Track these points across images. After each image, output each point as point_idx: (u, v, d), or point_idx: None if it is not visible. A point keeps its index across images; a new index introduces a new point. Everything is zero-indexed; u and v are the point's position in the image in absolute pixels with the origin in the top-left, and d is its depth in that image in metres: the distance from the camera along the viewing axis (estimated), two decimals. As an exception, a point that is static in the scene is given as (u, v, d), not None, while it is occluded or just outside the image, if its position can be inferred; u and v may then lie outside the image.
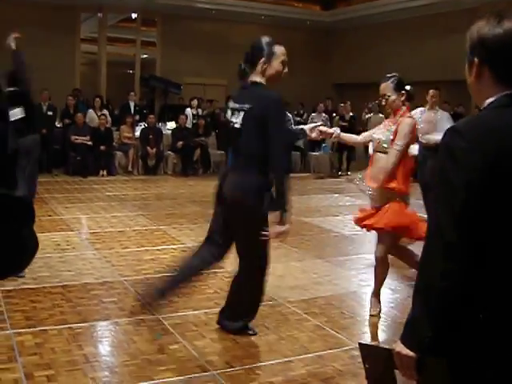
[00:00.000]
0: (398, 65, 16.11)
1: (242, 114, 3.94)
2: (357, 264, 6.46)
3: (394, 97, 4.59)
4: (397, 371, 1.81)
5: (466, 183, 1.64)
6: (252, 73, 3.98)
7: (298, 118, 15.90)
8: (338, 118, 15.11)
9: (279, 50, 4.01)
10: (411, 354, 1.72)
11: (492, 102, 1.75)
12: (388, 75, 4.71)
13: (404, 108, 4.69)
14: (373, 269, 5.00)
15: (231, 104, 4.13)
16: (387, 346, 1.91)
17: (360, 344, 2.05)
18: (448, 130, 1.76)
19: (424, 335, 1.70)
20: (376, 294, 4.98)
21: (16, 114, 6.15)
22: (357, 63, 18.09)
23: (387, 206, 4.62)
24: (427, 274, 1.72)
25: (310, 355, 4.08)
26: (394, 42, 16.72)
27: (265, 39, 4.01)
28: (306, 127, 4.47)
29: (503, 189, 1.64)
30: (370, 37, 17.60)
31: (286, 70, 4.06)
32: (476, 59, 1.77)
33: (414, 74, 15.75)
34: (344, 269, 6.31)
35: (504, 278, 1.68)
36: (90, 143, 12.99)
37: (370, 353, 2.01)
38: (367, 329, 4.78)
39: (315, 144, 14.90)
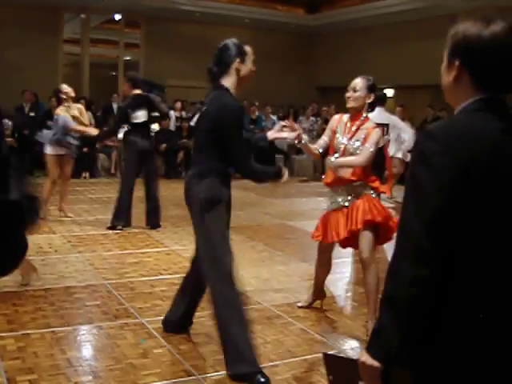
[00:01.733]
0: (382, 69, 16.22)
1: (198, 114, 4.02)
2: (341, 267, 6.45)
3: (363, 94, 4.54)
4: (361, 383, 1.73)
5: (437, 187, 1.60)
6: (222, 75, 3.89)
7: (281, 122, 15.88)
8: (321, 121, 15.13)
9: (249, 49, 3.99)
10: (376, 364, 1.66)
11: (467, 106, 1.72)
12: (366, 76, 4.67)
13: (365, 115, 4.62)
14: (358, 272, 4.99)
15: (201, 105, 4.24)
16: (353, 357, 1.84)
17: (324, 354, 1.97)
18: (421, 132, 1.73)
19: (390, 345, 1.64)
20: (374, 317, 4.29)
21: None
22: (340, 67, 18.11)
23: (358, 201, 4.50)
24: (395, 280, 1.66)
25: (295, 359, 4.07)
26: (377, 46, 16.79)
27: (233, 40, 3.97)
28: (270, 133, 4.38)
29: (475, 194, 1.61)
30: (354, 41, 17.66)
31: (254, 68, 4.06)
32: (457, 61, 1.73)
33: (397, 78, 15.88)
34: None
35: (471, 287, 1.63)
36: (76, 143, 12.84)
37: (334, 364, 1.93)
38: (352, 333, 4.78)
39: (299, 148, 14.91)
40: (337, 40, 18.55)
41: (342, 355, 3.01)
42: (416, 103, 14.91)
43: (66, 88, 8.36)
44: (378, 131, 4.62)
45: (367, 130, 4.54)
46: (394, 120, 9.10)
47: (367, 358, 1.68)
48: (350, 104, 4.59)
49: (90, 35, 17.34)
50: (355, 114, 4.61)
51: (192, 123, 3.86)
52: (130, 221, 7.99)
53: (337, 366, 1.91)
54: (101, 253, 6.66)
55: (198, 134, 4.05)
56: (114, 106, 15.25)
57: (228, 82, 3.88)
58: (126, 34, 17.76)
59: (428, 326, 1.64)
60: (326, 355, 1.97)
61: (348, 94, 4.57)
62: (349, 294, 5.70)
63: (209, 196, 3.79)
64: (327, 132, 4.77)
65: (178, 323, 4.40)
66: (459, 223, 1.60)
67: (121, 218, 7.88)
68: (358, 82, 4.55)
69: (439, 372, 1.66)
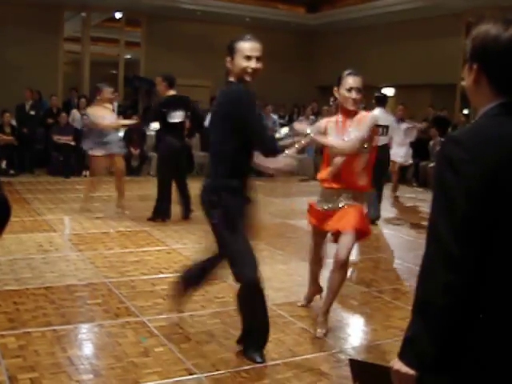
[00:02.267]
0: (382, 68, 16.23)
1: (209, 114, 3.94)
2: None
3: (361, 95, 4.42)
4: None
5: (465, 194, 1.59)
6: (229, 73, 3.90)
7: (281, 120, 15.91)
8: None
9: (242, 45, 3.82)
10: (411, 372, 1.65)
11: (489, 111, 1.71)
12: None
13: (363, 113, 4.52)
14: (359, 271, 4.99)
15: None
16: (382, 364, 1.83)
17: (351, 360, 1.95)
18: (446, 139, 1.72)
19: (424, 353, 1.64)
20: (327, 312, 4.58)
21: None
22: (341, 66, 17.89)
23: (353, 207, 4.44)
24: (427, 287, 1.66)
25: (296, 358, 4.07)
26: (378, 45, 16.78)
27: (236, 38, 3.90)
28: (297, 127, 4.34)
29: (503, 199, 1.60)
30: (355, 40, 17.65)
31: (256, 65, 3.81)
32: (475, 64, 1.71)
33: (398, 78, 15.89)
34: (328, 271, 6.28)
35: (504, 293, 1.63)
36: (73, 143, 12.90)
37: (362, 370, 1.92)
38: (352, 332, 4.78)
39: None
40: (337, 39, 18.54)
41: (370, 362, 2.98)
42: (416, 102, 14.92)
43: (107, 89, 8.54)
44: (371, 117, 4.53)
45: (361, 118, 4.44)
46: (390, 121, 9.02)
47: (401, 366, 1.67)
48: (356, 106, 4.43)
49: (91, 33, 17.32)
50: (353, 113, 4.47)
51: (206, 123, 3.76)
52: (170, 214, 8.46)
53: (363, 372, 1.90)
54: (102, 251, 6.66)
55: (214, 134, 3.92)
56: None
57: (231, 78, 3.88)
58: (126, 32, 17.74)
59: (462, 332, 1.63)
60: (351, 361, 1.96)
61: (356, 96, 4.38)
62: (348, 293, 5.70)
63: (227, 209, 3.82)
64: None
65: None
66: (489, 229, 1.60)
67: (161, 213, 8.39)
68: (360, 81, 4.43)
69: (474, 379, 1.65)
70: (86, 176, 12.77)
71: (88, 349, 4.17)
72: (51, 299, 5.02)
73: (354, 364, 1.94)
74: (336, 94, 4.51)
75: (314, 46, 19.50)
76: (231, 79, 3.87)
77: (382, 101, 8.88)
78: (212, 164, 3.94)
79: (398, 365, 1.68)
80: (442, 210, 1.64)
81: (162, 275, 5.85)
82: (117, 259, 6.35)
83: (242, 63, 3.80)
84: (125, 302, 5.01)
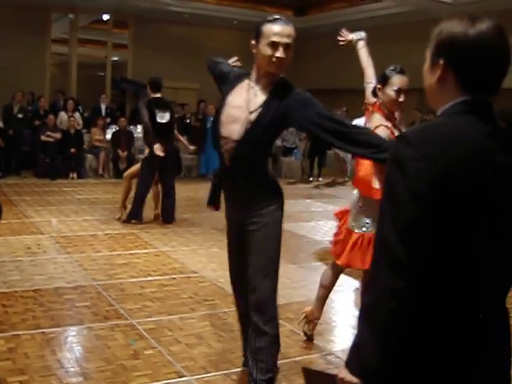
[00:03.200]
0: (370, 72, 16.29)
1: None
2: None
3: None
4: None
5: (412, 195, 1.51)
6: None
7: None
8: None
9: (269, 28, 3.23)
10: (355, 380, 1.59)
11: (449, 109, 1.64)
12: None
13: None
14: (348, 274, 5.00)
15: None
16: (332, 372, 1.77)
17: (304, 369, 1.93)
18: (397, 137, 1.65)
19: (369, 360, 1.57)
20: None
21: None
22: (329, 69, 18.18)
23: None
24: (374, 292, 1.58)
25: (286, 360, 4.07)
26: (365, 49, 16.87)
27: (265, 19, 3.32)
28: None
29: (454, 201, 1.52)
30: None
31: (282, 54, 3.20)
32: (441, 60, 1.63)
33: (385, 81, 15.95)
34: (318, 274, 6.21)
35: (451, 299, 1.56)
36: (59, 136, 12.82)
37: (313, 378, 1.89)
38: (342, 334, 4.80)
39: (286, 150, 14.98)
40: (325, 42, 18.52)
41: (321, 370, 2.95)
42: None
43: None
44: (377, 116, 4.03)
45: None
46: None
47: (346, 374, 1.61)
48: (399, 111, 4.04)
49: (79, 35, 17.29)
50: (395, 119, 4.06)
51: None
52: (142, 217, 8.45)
53: (316, 380, 1.85)
54: (90, 254, 6.64)
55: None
56: (102, 106, 15.23)
57: (253, 68, 3.37)
58: (114, 34, 17.72)
59: (408, 340, 1.57)
60: (305, 370, 1.93)
61: (403, 99, 3.98)
62: (337, 296, 5.72)
63: None
64: None
65: None
66: (436, 232, 1.52)
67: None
68: (408, 82, 4.03)
69: None
70: (73, 178, 12.74)
71: (77, 351, 4.16)
72: (40, 302, 5.00)
73: (307, 373, 1.91)
74: (379, 93, 4.01)
75: (302, 49, 19.43)
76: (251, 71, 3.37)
77: None
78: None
79: (343, 373, 1.62)
80: (389, 212, 1.56)
81: (150, 278, 5.84)
82: (105, 262, 6.34)
83: (266, 50, 3.20)
84: (114, 305, 5.00)
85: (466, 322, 1.59)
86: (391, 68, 4.04)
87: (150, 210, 8.54)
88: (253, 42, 3.29)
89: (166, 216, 8.43)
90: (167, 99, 8.77)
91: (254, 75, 3.35)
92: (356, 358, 1.62)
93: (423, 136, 1.58)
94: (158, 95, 8.31)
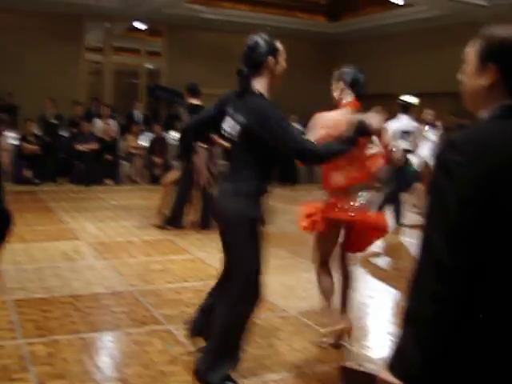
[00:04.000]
0: (404, 76, 16.18)
1: (237, 126, 3.51)
2: (366, 275, 6.44)
3: None
4: None
5: (459, 199, 1.51)
6: (254, 77, 3.51)
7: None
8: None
9: (279, 45, 3.58)
10: (397, 382, 1.58)
11: (493, 113, 1.64)
12: None
13: None
14: (383, 280, 4.96)
15: (228, 108, 3.62)
16: (372, 371, 1.77)
17: (343, 368, 1.92)
18: (444, 142, 1.65)
19: (412, 363, 1.56)
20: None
21: None
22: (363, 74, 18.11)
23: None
24: (417, 296, 1.58)
25: (323, 367, 4.05)
26: (400, 53, 16.75)
27: (263, 36, 3.53)
28: None
29: (500, 205, 1.51)
30: (375, 48, 17.64)
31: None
32: (492, 64, 1.64)
33: (420, 85, 15.81)
34: (355, 281, 6.26)
35: (496, 304, 1.55)
36: (96, 147, 12.98)
37: (351, 377, 1.88)
38: (380, 341, 4.76)
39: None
40: (359, 48, 18.54)
41: (361, 369, 2.92)
42: (439, 110, 14.85)
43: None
44: None
45: None
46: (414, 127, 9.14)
47: (387, 376, 1.61)
48: None
49: (113, 43, 17.50)
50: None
51: (228, 129, 3.48)
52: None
53: (354, 379, 1.85)
54: (126, 259, 6.70)
55: (239, 148, 3.56)
56: (137, 114, 15.39)
57: (260, 84, 3.51)
58: (148, 42, 17.89)
59: (451, 344, 1.56)
60: (343, 368, 1.92)
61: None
62: (374, 301, 5.67)
63: (258, 215, 3.55)
64: None
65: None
66: (482, 237, 1.51)
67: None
68: None
69: None
70: (108, 185, 12.88)
71: (115, 357, 4.20)
72: (78, 307, 5.05)
73: (345, 371, 1.91)
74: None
75: (336, 54, 19.49)
76: (257, 86, 3.50)
77: (406, 107, 9.00)
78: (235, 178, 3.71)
79: (384, 374, 1.62)
80: (435, 216, 1.57)
81: (186, 283, 5.87)
82: (142, 267, 6.39)
83: (284, 64, 3.57)
84: (151, 310, 5.03)
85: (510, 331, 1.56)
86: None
87: (186, 215, 8.58)
88: (271, 58, 3.49)
89: (205, 221, 8.45)
90: (205, 106, 8.78)
91: (264, 90, 3.53)
92: (399, 360, 1.62)
93: (470, 140, 1.58)
94: (197, 101, 8.33)
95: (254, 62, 3.51)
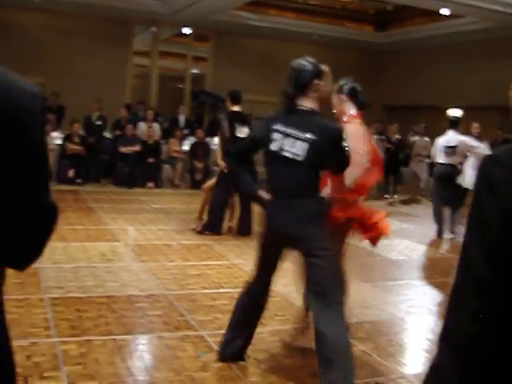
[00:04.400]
0: (450, 89, 15.95)
1: (303, 144, 3.55)
2: (404, 290, 6.32)
3: None
4: None
5: (501, 215, 1.44)
6: (299, 97, 3.63)
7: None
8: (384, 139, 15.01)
9: (326, 68, 3.80)
10: None
11: None
12: None
13: None
14: (422, 295, 4.87)
15: (280, 127, 3.67)
16: None
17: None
18: (486, 157, 1.56)
19: (448, 382, 1.49)
20: None
21: None
22: (408, 86, 17.93)
23: None
24: (455, 314, 1.51)
25: (357, 382, 3.97)
26: (446, 65, 16.54)
27: (308, 59, 3.68)
28: None
29: None
30: (422, 59, 17.45)
31: None
32: None
33: (466, 98, 15.58)
34: (391, 294, 6.17)
35: None
36: (137, 149, 13.09)
37: None
38: (414, 357, 4.66)
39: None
40: (405, 58, 18.37)
41: None
42: (485, 124, 14.60)
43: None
44: None
45: None
46: (466, 141, 9.01)
47: None
48: None
49: (160, 48, 17.66)
50: None
51: (289, 148, 3.48)
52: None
53: None
54: (163, 263, 6.70)
55: (301, 166, 3.60)
56: (181, 118, 15.48)
57: (308, 103, 3.63)
58: (194, 47, 18.00)
59: (490, 363, 1.47)
60: None
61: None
62: (411, 318, 5.56)
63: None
64: None
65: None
66: None
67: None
68: None
69: None
70: (150, 188, 12.96)
71: (147, 360, 4.18)
72: (113, 308, 5.06)
73: None
74: None
75: (382, 64, 19.36)
76: (309, 105, 3.64)
77: (455, 124, 8.92)
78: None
79: None
80: (476, 232, 1.50)
81: (222, 290, 5.84)
82: (178, 272, 6.38)
83: (331, 88, 3.80)
84: (185, 315, 5.01)
85: None
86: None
87: (224, 221, 8.57)
88: (318, 82, 3.63)
89: (243, 228, 8.45)
90: (245, 113, 8.79)
91: (317, 108, 3.68)
92: (434, 379, 1.54)
93: None
94: (238, 108, 8.37)
95: (300, 84, 3.61)
